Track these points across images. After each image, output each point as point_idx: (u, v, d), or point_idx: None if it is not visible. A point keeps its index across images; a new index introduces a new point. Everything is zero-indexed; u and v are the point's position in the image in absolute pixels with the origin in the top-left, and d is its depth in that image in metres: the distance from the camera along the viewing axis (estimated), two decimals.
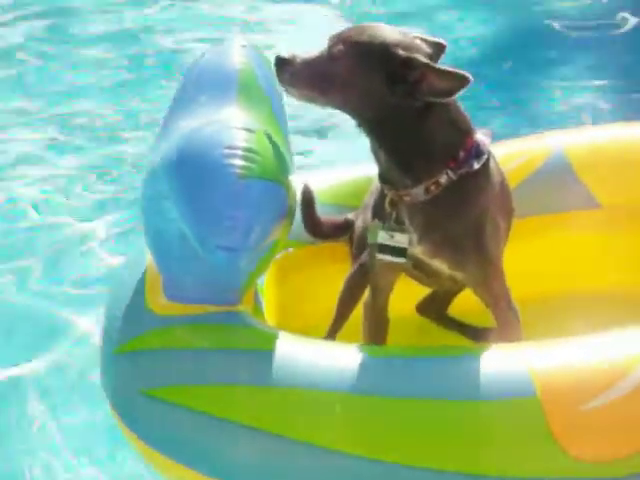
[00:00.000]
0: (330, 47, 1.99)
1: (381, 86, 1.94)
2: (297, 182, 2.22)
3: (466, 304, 2.37)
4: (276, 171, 2.05)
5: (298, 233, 2.38)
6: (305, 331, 2.18)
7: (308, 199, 2.48)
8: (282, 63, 2.01)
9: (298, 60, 2.00)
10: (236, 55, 2.27)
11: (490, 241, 2.10)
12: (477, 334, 2.53)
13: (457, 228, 2.05)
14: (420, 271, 2.18)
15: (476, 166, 2.03)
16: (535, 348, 1.94)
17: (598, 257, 2.70)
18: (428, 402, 1.86)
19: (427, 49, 2.00)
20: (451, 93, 1.92)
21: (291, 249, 2.53)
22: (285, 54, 2.01)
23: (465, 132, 2.03)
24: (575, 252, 2.69)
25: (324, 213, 2.55)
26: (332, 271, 2.57)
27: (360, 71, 1.96)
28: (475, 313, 2.31)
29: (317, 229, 2.54)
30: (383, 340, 2.27)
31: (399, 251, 2.09)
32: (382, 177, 2.07)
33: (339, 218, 2.57)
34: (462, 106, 2.04)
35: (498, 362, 1.91)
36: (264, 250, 2.03)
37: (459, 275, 2.14)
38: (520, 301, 2.17)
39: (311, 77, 1.99)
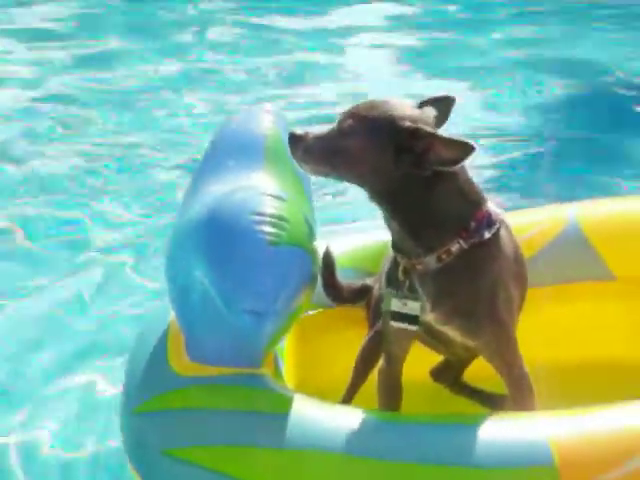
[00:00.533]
0: (340, 122, 2.04)
1: (390, 158, 1.98)
2: (318, 245, 2.25)
3: (481, 371, 2.38)
4: (303, 237, 2.09)
5: (317, 296, 2.40)
6: (323, 393, 2.19)
7: (329, 263, 2.50)
8: (295, 140, 2.04)
9: (310, 136, 2.04)
10: (263, 120, 2.32)
11: (502, 310, 2.12)
12: (491, 401, 2.54)
13: (469, 296, 2.08)
14: (433, 338, 2.21)
15: (487, 235, 2.06)
16: (554, 417, 1.96)
17: (612, 328, 2.72)
18: (446, 469, 1.88)
19: (433, 114, 2.04)
20: (457, 162, 1.96)
21: (311, 312, 2.55)
22: (298, 131, 2.05)
23: (476, 203, 2.07)
24: (589, 322, 2.72)
25: (343, 277, 2.57)
26: (350, 335, 2.58)
27: (369, 144, 1.99)
28: (490, 379, 2.32)
29: (337, 293, 2.56)
30: (397, 406, 2.28)
31: (412, 319, 2.12)
32: (395, 246, 2.11)
33: (357, 283, 2.59)
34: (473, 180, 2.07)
35: (518, 430, 1.93)
36: (289, 314, 2.06)
37: (471, 343, 2.16)
38: (533, 369, 2.18)
39: (322, 153, 2.03)
